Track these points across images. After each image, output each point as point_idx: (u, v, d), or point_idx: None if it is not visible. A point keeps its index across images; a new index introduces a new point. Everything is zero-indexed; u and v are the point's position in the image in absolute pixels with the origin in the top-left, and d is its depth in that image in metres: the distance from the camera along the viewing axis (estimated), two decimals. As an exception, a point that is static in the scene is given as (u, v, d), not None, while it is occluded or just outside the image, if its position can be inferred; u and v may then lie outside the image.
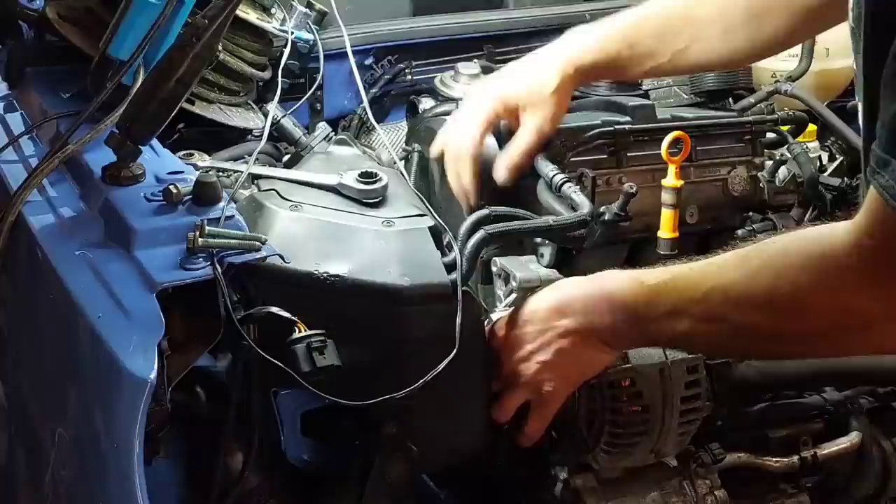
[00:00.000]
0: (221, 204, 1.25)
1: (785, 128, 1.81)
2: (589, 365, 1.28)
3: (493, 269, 1.53)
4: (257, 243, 1.18)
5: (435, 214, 1.37)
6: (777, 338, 1.12)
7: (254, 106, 1.81)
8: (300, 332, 1.14)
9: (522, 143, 1.49)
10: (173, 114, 1.29)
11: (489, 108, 1.50)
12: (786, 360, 1.46)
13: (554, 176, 1.48)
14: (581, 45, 1.52)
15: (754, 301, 1.10)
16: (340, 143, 1.59)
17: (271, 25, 1.78)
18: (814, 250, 1.06)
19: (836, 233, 1.04)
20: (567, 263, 1.57)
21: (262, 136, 1.62)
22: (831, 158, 2.04)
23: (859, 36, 1.03)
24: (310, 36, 1.90)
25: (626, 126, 1.58)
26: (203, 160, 1.50)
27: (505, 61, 2.09)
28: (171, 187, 1.25)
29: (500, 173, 1.49)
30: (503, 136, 1.55)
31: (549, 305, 1.28)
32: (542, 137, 1.50)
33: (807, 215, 1.69)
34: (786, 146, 1.76)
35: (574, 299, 1.26)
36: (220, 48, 1.52)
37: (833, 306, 1.05)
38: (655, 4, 1.55)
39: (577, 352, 1.26)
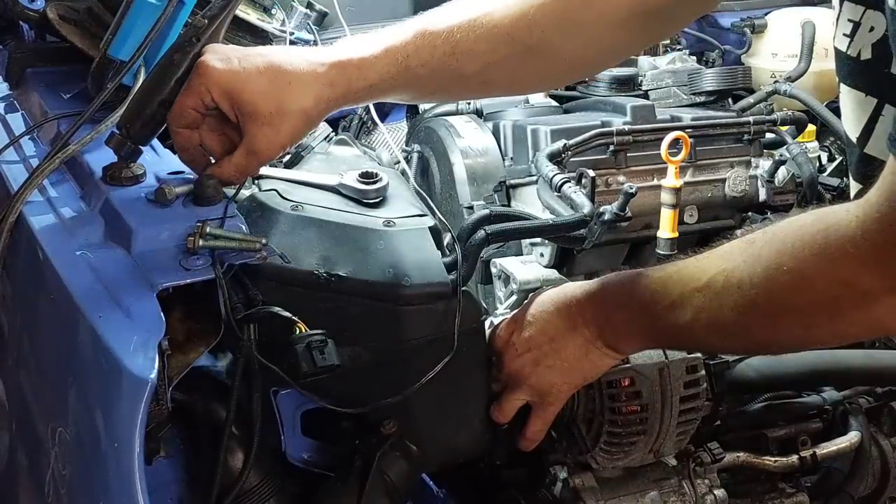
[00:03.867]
0: (222, 204, 1.25)
1: (784, 128, 1.81)
2: (592, 368, 1.28)
3: (493, 270, 1.53)
4: (257, 244, 1.18)
5: (437, 214, 1.37)
6: (776, 317, 1.10)
7: (254, 106, 1.81)
8: (300, 331, 1.15)
9: (251, 158, 1.28)
10: (174, 114, 1.29)
11: (200, 94, 1.24)
12: (785, 359, 1.46)
13: (554, 176, 1.48)
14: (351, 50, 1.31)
15: (755, 279, 1.08)
16: (341, 143, 1.59)
17: (271, 26, 1.78)
18: (818, 225, 1.04)
19: (844, 207, 1.02)
20: (567, 263, 1.58)
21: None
22: (830, 158, 2.05)
23: None
24: (310, 36, 1.90)
25: (626, 126, 1.59)
26: (203, 160, 1.50)
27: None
28: (164, 187, 1.24)
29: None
30: None
31: (554, 308, 1.28)
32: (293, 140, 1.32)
33: (806, 216, 1.69)
34: (785, 146, 1.77)
35: (580, 303, 1.25)
36: (220, 48, 1.52)
37: (834, 280, 1.03)
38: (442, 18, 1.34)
39: (580, 356, 1.25)
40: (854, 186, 1.37)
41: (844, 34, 1.25)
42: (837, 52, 1.28)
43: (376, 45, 1.29)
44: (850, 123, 1.31)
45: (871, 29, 1.21)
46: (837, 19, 1.26)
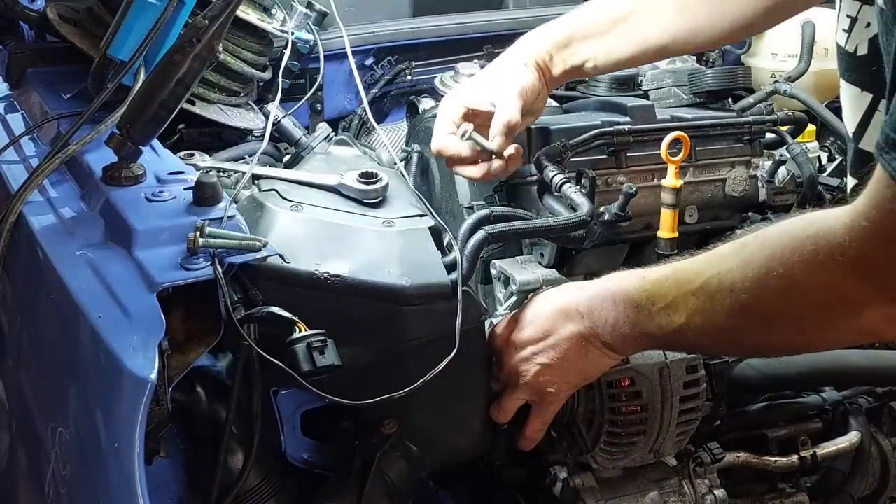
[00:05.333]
0: (222, 204, 1.26)
1: (784, 128, 1.81)
2: (591, 368, 1.28)
3: (493, 271, 1.53)
4: (258, 243, 1.18)
5: (435, 214, 1.37)
6: (768, 322, 1.11)
7: (254, 106, 1.82)
8: (300, 331, 1.15)
9: (505, 111, 1.43)
10: (174, 114, 1.29)
11: (455, 110, 1.48)
12: (785, 359, 1.46)
13: (554, 176, 1.48)
14: (537, 43, 1.51)
15: (747, 283, 1.08)
16: (340, 143, 1.59)
17: (272, 26, 1.79)
18: (808, 230, 1.04)
19: (833, 214, 1.02)
20: (567, 263, 1.58)
21: (262, 136, 1.62)
22: (830, 158, 2.04)
23: (891, 17, 1.00)
24: (310, 36, 1.90)
25: (626, 126, 1.59)
26: (204, 160, 1.50)
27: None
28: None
29: (496, 140, 1.42)
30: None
31: (553, 307, 1.28)
32: (525, 101, 1.46)
33: (806, 215, 1.69)
34: (785, 146, 1.76)
35: (580, 303, 1.26)
36: (220, 49, 1.53)
37: (823, 287, 1.03)
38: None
39: (579, 355, 1.26)
40: (851, 181, 1.37)
41: (843, 30, 1.25)
42: (837, 47, 1.29)
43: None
44: (848, 118, 1.31)
45: (868, 25, 1.21)
46: (838, 15, 1.26)
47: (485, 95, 1.47)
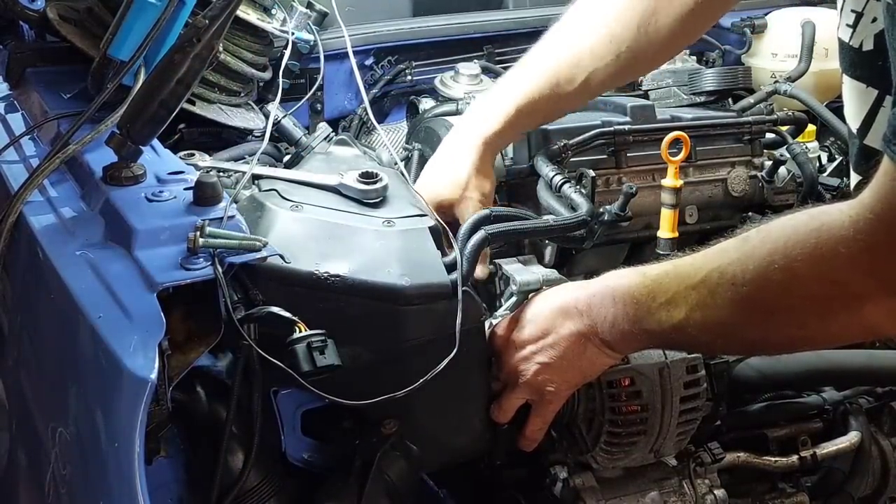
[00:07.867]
0: (222, 204, 1.26)
1: (784, 128, 1.81)
2: (590, 367, 1.28)
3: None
4: (258, 243, 1.18)
5: (435, 214, 1.37)
6: (768, 316, 1.10)
7: (254, 106, 1.81)
8: (300, 331, 1.15)
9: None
10: (174, 114, 1.29)
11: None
12: (785, 359, 1.46)
13: (554, 176, 1.48)
14: (485, 119, 1.53)
15: (748, 276, 1.08)
16: (341, 143, 1.59)
17: (272, 26, 1.78)
18: (812, 224, 1.04)
19: (838, 207, 1.02)
20: (567, 263, 1.58)
21: (262, 136, 1.62)
22: (830, 158, 2.04)
23: None
24: (310, 36, 1.90)
25: (626, 126, 1.59)
26: (204, 160, 1.50)
27: (505, 61, 2.11)
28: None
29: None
30: None
31: (553, 307, 1.28)
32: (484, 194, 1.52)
33: (806, 215, 1.69)
34: (785, 146, 1.77)
35: (579, 301, 1.25)
36: (220, 49, 1.53)
37: (825, 279, 1.03)
38: (545, 50, 1.55)
39: (579, 354, 1.26)
40: (855, 178, 1.37)
41: (847, 24, 1.25)
42: (840, 42, 1.28)
43: (510, 109, 1.52)
44: (852, 114, 1.30)
45: (874, 20, 1.20)
46: (841, 10, 1.26)
47: (441, 193, 1.52)
